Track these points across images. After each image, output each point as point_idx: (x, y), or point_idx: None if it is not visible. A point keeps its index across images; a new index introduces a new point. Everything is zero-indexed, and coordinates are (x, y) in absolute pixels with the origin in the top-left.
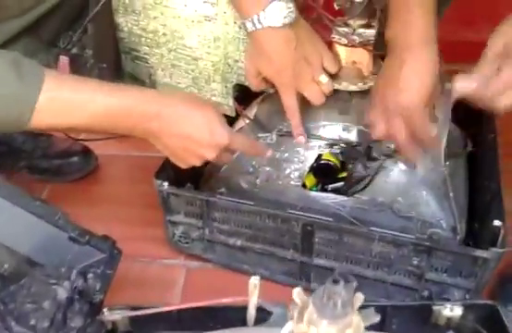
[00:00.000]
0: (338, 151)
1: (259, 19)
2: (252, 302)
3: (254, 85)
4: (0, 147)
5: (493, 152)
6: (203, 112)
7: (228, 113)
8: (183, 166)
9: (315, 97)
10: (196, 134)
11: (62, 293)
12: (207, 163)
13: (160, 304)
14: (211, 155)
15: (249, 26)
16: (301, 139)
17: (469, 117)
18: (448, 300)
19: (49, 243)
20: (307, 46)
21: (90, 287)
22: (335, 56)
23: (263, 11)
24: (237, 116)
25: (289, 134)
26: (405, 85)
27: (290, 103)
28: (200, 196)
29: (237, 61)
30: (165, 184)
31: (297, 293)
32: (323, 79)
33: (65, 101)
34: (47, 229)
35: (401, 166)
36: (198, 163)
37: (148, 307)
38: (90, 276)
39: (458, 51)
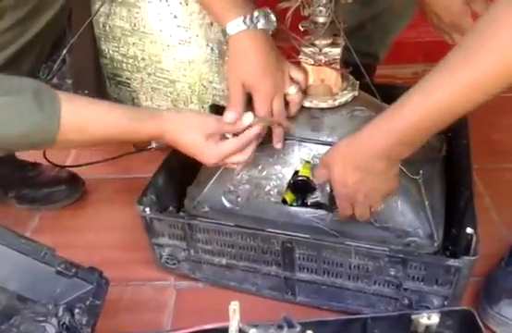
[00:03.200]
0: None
1: (239, 23)
2: (233, 327)
3: (235, 94)
4: None
5: (466, 158)
6: (190, 136)
7: None
8: None
9: (283, 111)
10: (191, 153)
11: (50, 330)
12: (189, 183)
13: (151, 330)
14: (210, 165)
15: (229, 29)
16: (280, 145)
17: None
18: (428, 307)
19: (37, 279)
20: (280, 56)
21: (77, 322)
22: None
23: (244, 16)
24: None
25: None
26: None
27: (266, 111)
28: (181, 220)
29: (211, 82)
30: (147, 210)
31: None
32: (292, 90)
33: (82, 124)
34: (34, 266)
35: None
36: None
37: None
38: (76, 311)
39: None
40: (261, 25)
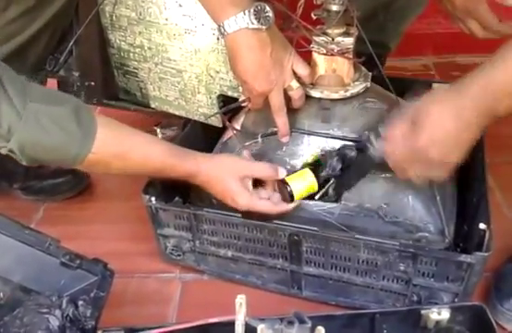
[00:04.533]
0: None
1: (236, 20)
2: (239, 321)
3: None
4: None
5: (480, 153)
6: (224, 180)
7: (216, 124)
8: None
9: (282, 104)
10: (223, 196)
11: (54, 322)
12: None
13: (155, 322)
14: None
15: (227, 27)
16: (286, 138)
17: None
18: (437, 304)
19: (41, 270)
20: (279, 51)
21: (81, 314)
22: (313, 64)
23: (242, 12)
24: (225, 126)
25: (274, 135)
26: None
27: (258, 107)
28: (187, 210)
29: (218, 72)
30: (153, 199)
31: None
32: (294, 84)
33: (117, 151)
34: (39, 257)
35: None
36: None
37: (142, 329)
38: (80, 303)
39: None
40: (256, 22)
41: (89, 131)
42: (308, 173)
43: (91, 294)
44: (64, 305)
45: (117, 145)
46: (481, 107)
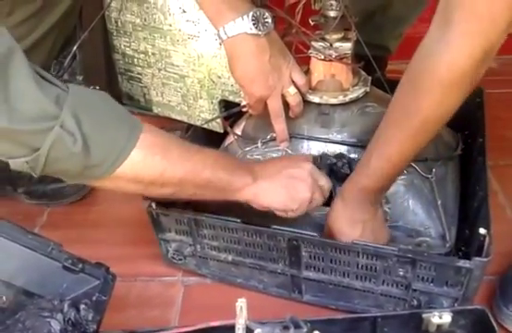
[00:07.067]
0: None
1: (235, 25)
2: (240, 325)
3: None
4: None
5: (482, 157)
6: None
7: (217, 129)
8: None
9: (280, 110)
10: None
11: (56, 326)
12: None
13: (158, 326)
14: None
15: (226, 32)
16: (285, 144)
17: (462, 119)
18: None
19: (44, 274)
20: (278, 58)
21: (82, 318)
22: (312, 69)
23: (241, 17)
24: (226, 132)
25: (275, 140)
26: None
27: (257, 112)
28: (187, 215)
29: (220, 77)
30: (153, 204)
31: None
32: (292, 90)
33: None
34: (41, 261)
35: None
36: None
37: (144, 332)
38: (82, 307)
39: None
40: (255, 28)
41: (135, 124)
42: None
43: (94, 298)
44: (65, 309)
45: (164, 144)
46: (366, 204)
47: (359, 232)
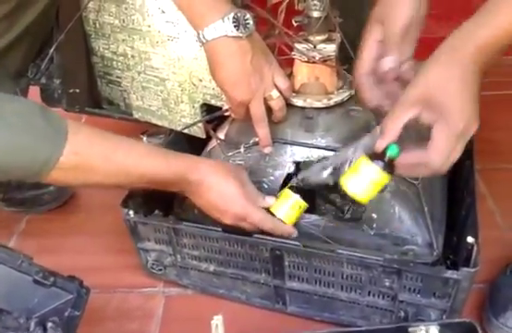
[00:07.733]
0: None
1: (216, 28)
2: None
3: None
4: None
5: (469, 161)
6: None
7: (199, 135)
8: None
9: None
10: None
11: None
12: None
13: None
14: (227, 221)
15: (206, 35)
16: (268, 149)
17: None
18: (424, 321)
19: (14, 289)
20: (260, 58)
21: None
22: (296, 72)
23: (222, 19)
24: (209, 137)
25: (257, 145)
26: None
27: (240, 116)
28: (166, 224)
29: (201, 80)
30: (131, 213)
31: None
32: (275, 93)
33: (98, 153)
34: (11, 275)
35: None
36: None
37: None
38: (50, 325)
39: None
40: (235, 30)
41: (60, 129)
42: (288, 193)
43: (66, 313)
44: (31, 328)
45: (98, 145)
46: (481, 68)
47: (470, 96)
